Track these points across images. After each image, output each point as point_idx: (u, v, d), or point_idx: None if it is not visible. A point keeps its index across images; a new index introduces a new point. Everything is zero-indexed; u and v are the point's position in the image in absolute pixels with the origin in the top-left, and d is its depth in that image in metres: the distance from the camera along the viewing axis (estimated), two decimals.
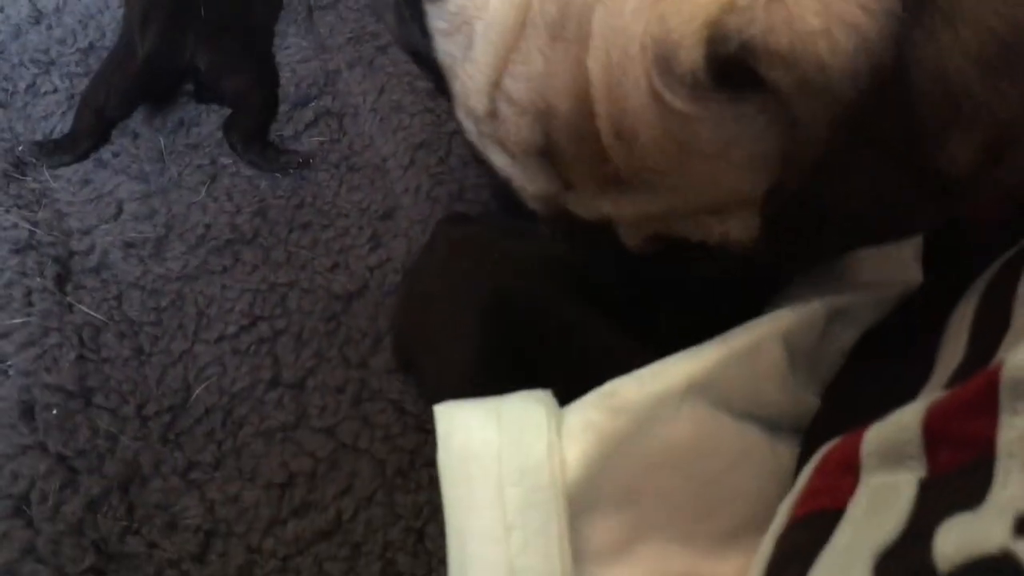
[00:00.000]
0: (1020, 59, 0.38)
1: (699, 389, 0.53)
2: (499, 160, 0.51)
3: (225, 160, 0.88)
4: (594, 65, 0.43)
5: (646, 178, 0.48)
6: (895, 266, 0.68)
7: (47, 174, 0.87)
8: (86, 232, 0.83)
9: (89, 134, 0.88)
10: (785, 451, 0.59)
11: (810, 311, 0.61)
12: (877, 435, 0.45)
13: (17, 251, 0.78)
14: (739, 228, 0.51)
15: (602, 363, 0.60)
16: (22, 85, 0.93)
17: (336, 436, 0.72)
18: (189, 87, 0.89)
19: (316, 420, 0.72)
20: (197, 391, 0.74)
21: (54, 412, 0.69)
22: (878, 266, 0.68)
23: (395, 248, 0.82)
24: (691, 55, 0.40)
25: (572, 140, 0.47)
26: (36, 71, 0.93)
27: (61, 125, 0.91)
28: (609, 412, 0.51)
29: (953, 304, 0.60)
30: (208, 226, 0.83)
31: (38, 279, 0.76)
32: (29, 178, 0.87)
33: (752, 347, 0.56)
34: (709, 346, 0.56)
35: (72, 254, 0.81)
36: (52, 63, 0.93)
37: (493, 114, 0.48)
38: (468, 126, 0.52)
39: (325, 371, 0.75)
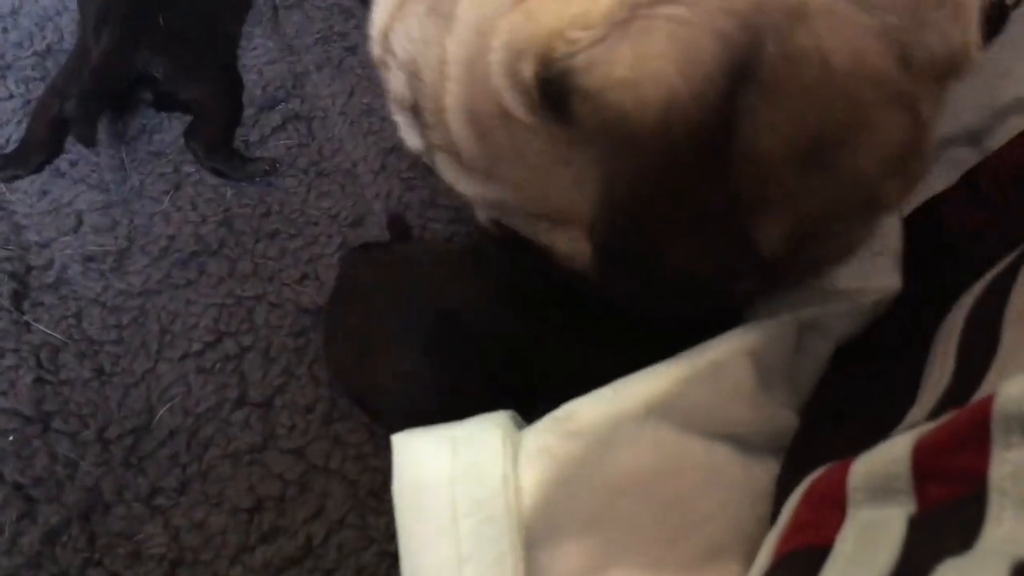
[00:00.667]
0: (830, 157, 0.38)
1: (661, 410, 0.52)
2: (390, 107, 0.53)
3: (189, 168, 0.85)
4: (453, 48, 0.44)
5: (483, 165, 0.48)
6: (873, 272, 0.66)
7: (3, 186, 0.84)
8: (44, 245, 0.80)
9: (42, 146, 0.85)
10: (761, 472, 0.57)
11: (779, 325, 0.59)
12: (864, 468, 0.43)
13: None
14: (568, 245, 0.50)
15: (553, 375, 0.58)
16: None
17: (306, 457, 0.69)
18: (148, 95, 0.86)
19: (285, 441, 0.70)
20: (160, 412, 0.71)
21: (10, 439, 0.66)
22: (856, 272, 0.66)
23: None
24: (527, 68, 0.40)
25: (430, 110, 0.47)
26: None
27: (17, 133, 0.87)
28: (565, 436, 0.50)
29: (937, 318, 0.59)
30: (172, 237, 0.80)
31: None
32: None
33: (715, 365, 0.54)
34: (670, 365, 0.54)
35: (30, 269, 0.78)
36: (8, 67, 0.90)
37: (383, 63, 0.50)
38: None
39: (294, 389, 0.72)
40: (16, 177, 0.84)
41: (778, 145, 0.38)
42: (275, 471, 0.68)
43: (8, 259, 0.77)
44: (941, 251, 0.70)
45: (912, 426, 0.51)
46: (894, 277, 0.65)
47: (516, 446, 0.49)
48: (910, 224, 0.69)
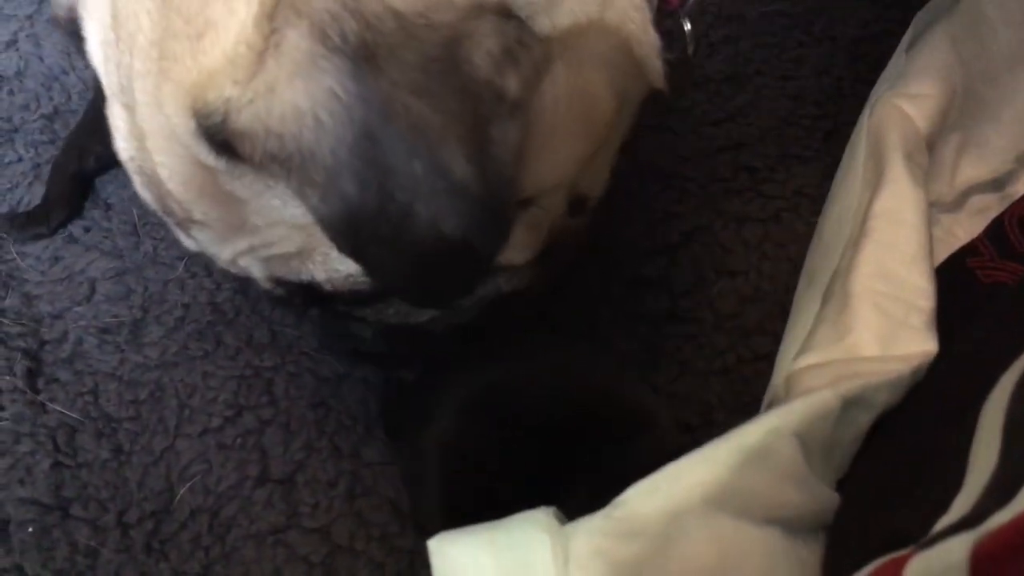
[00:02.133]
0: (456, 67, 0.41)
1: (718, 500, 0.50)
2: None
3: None
4: (147, 128, 0.46)
5: (225, 222, 0.49)
6: (904, 336, 0.64)
7: (14, 252, 0.83)
8: (57, 316, 0.79)
9: (63, 203, 0.83)
10: (808, 554, 0.55)
11: (821, 401, 0.57)
12: (922, 569, 0.42)
13: None
14: (327, 269, 0.51)
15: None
16: None
17: (331, 537, 0.68)
18: None
19: (308, 520, 0.69)
20: (181, 492, 0.70)
21: (30, 530, 0.65)
22: (885, 337, 0.64)
23: None
24: (191, 124, 0.43)
25: (165, 195, 0.49)
26: None
27: (28, 196, 0.86)
28: (621, 537, 0.48)
29: (979, 383, 0.57)
30: (187, 306, 0.79)
31: (7, 378, 0.72)
32: None
33: (765, 446, 0.53)
34: (717, 449, 0.52)
35: (43, 344, 0.77)
36: (15, 130, 0.89)
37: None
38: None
39: (315, 464, 0.71)
40: (40, 236, 0.83)
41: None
42: (300, 553, 0.67)
43: (22, 335, 0.76)
44: (976, 308, 0.68)
45: (960, 516, 0.50)
46: (929, 340, 0.63)
47: (565, 549, 0.47)
48: (942, 281, 0.68)
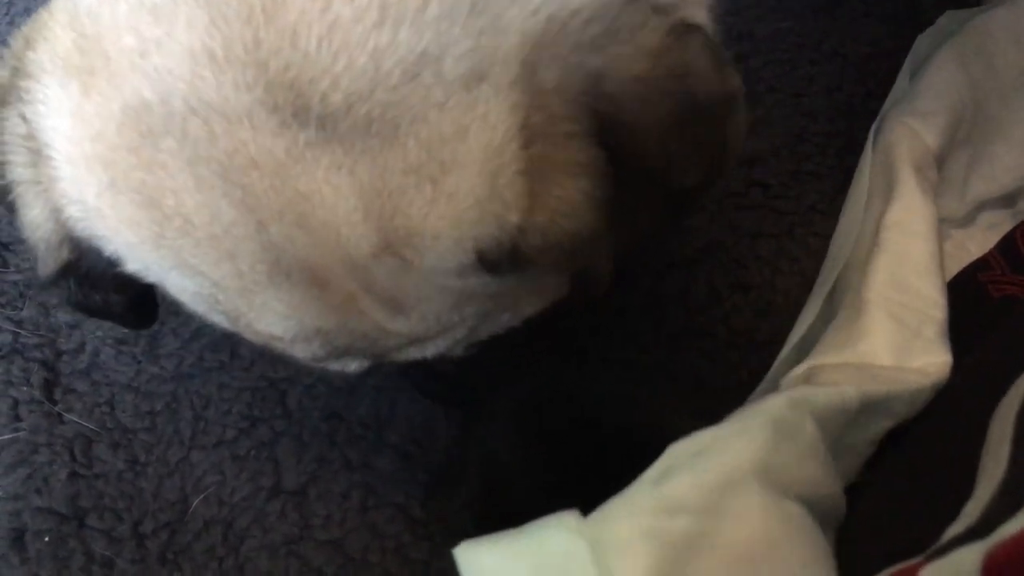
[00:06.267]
0: (701, 115, 0.43)
1: (759, 474, 0.48)
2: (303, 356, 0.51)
3: None
4: (361, 284, 0.44)
5: (438, 328, 0.47)
6: (918, 346, 0.64)
7: (31, 260, 0.83)
8: (75, 327, 0.79)
9: None
10: (828, 544, 0.54)
11: (841, 395, 0.57)
12: None
13: (1, 358, 0.74)
14: (536, 305, 0.51)
15: None
16: None
17: (344, 549, 0.68)
18: None
19: (321, 531, 0.69)
20: (195, 503, 0.70)
21: (46, 539, 0.66)
22: (899, 347, 0.64)
23: None
24: (447, 259, 0.42)
25: (362, 339, 0.47)
26: None
27: None
28: (668, 514, 0.45)
29: (990, 396, 0.57)
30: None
31: (25, 388, 0.73)
32: (11, 268, 0.83)
33: (792, 421, 0.52)
34: (751, 420, 0.51)
35: (60, 354, 0.77)
36: None
37: (268, 346, 0.48)
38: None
39: (327, 476, 0.71)
40: None
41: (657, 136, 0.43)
42: (314, 564, 0.67)
43: (39, 346, 0.77)
44: (987, 322, 0.68)
45: (970, 525, 0.50)
46: (943, 352, 0.64)
47: (599, 540, 0.44)
48: (953, 295, 0.68)
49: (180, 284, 0.45)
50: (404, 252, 0.41)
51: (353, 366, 0.51)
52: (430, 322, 0.46)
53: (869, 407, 0.59)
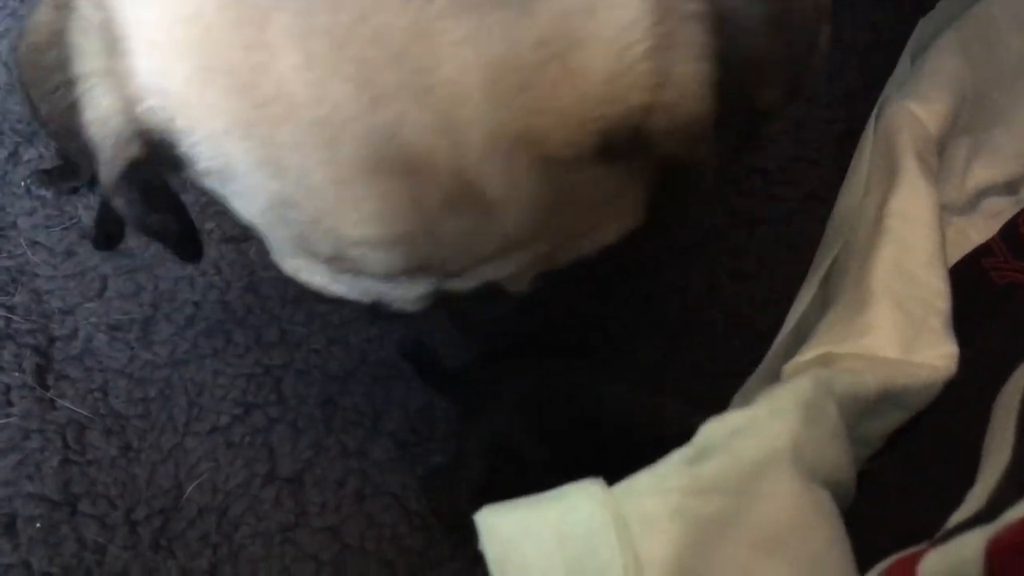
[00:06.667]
0: (795, 20, 0.45)
1: (791, 456, 0.47)
2: (366, 286, 0.48)
3: (209, 225, 0.83)
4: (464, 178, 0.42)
5: (528, 236, 0.45)
6: (925, 338, 0.64)
7: (25, 247, 0.83)
8: (68, 312, 0.78)
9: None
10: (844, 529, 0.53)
11: (862, 382, 0.56)
12: (936, 565, 0.42)
13: None
14: (614, 229, 0.50)
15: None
16: (3, 154, 0.88)
17: (340, 536, 0.68)
18: None
19: (316, 519, 0.68)
20: (189, 490, 0.69)
21: (37, 525, 0.65)
22: (906, 338, 0.64)
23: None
24: (578, 141, 0.41)
25: (447, 247, 0.44)
26: (17, 139, 0.88)
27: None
28: (702, 494, 0.45)
29: (994, 383, 0.57)
30: (197, 304, 0.78)
31: (17, 374, 0.72)
32: (3, 254, 0.82)
33: (819, 402, 0.51)
34: (780, 399, 0.50)
35: (53, 340, 0.76)
36: (35, 133, 0.88)
37: (341, 255, 0.45)
38: (319, 268, 0.48)
39: (323, 463, 0.71)
40: (75, 189, 0.83)
41: (760, 37, 0.43)
42: (309, 552, 0.67)
43: (31, 331, 0.76)
44: (989, 308, 0.68)
45: (974, 511, 0.50)
46: (949, 342, 0.63)
47: (624, 517, 0.44)
48: (956, 281, 0.67)
49: (258, 185, 0.43)
50: (522, 136, 0.40)
51: (420, 290, 0.48)
52: (524, 227, 0.44)
53: (886, 398, 0.58)
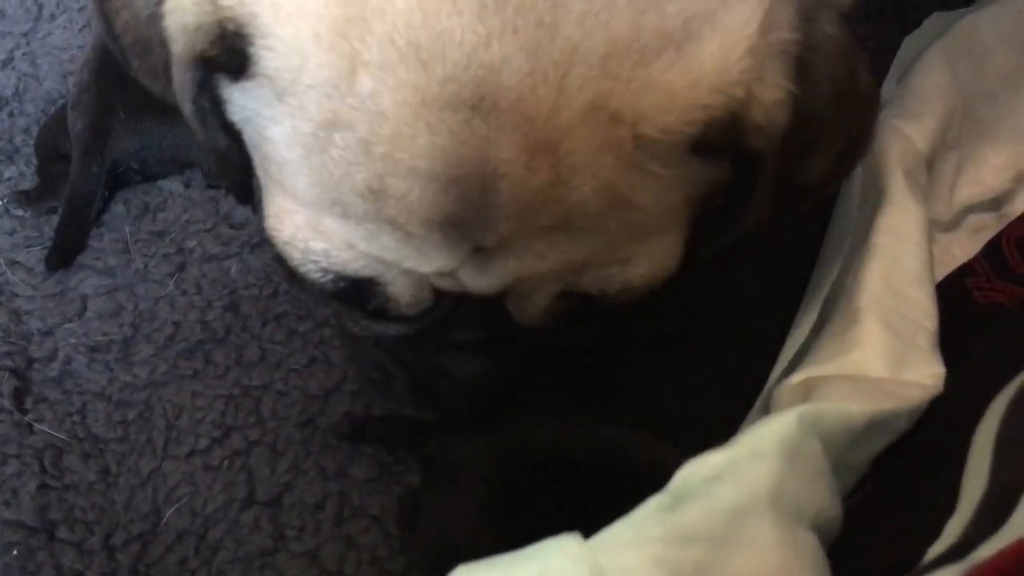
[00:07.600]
0: (859, 85, 0.49)
1: (773, 500, 0.46)
2: (385, 243, 0.47)
3: (191, 243, 0.83)
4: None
5: (573, 223, 0.46)
6: (913, 357, 0.63)
7: (4, 267, 0.82)
8: (47, 333, 0.78)
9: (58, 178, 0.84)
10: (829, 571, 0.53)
11: (848, 414, 0.55)
12: None
13: None
14: (650, 264, 0.51)
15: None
16: None
17: (319, 560, 0.67)
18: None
19: (295, 543, 0.68)
20: (167, 514, 0.69)
21: (14, 553, 0.65)
22: (894, 358, 0.63)
23: None
24: (677, 134, 0.44)
25: (502, 207, 0.44)
26: None
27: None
28: (681, 543, 0.44)
29: (975, 408, 0.56)
30: (177, 324, 0.78)
31: None
32: None
33: (802, 442, 0.50)
34: (762, 440, 0.49)
35: (32, 362, 0.76)
36: (16, 151, 0.88)
37: (381, 189, 0.44)
38: (330, 225, 0.48)
39: (302, 485, 0.70)
40: (53, 209, 0.83)
41: (824, 102, 0.48)
42: None
43: (9, 354, 0.75)
44: (972, 329, 0.67)
45: (950, 544, 0.49)
46: (936, 363, 0.62)
47: (602, 571, 0.43)
48: (939, 301, 0.67)
49: (314, 102, 0.43)
50: (626, 109, 0.42)
51: (437, 263, 0.48)
52: (585, 206, 0.45)
53: (873, 426, 0.58)
